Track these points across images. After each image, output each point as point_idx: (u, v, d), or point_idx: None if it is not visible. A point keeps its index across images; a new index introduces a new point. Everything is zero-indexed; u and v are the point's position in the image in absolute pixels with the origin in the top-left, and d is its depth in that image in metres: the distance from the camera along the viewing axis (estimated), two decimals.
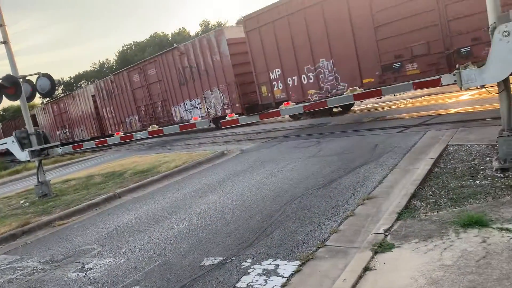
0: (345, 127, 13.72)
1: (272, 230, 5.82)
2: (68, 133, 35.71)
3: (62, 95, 53.07)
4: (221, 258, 5.24)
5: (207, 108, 21.76)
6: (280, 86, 16.94)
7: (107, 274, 5.59)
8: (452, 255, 3.96)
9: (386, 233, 4.75)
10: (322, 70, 15.37)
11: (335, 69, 14.95)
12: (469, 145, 7.65)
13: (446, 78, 6.20)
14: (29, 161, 12.52)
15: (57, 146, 11.99)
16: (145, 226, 7.36)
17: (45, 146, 11.81)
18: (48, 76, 11.96)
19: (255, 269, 4.74)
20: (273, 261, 4.84)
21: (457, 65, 5.97)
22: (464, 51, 11.36)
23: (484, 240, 4.09)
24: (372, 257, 4.26)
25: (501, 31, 5.39)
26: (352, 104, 18.15)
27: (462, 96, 14.21)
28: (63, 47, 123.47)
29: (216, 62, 20.35)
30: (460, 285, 3.46)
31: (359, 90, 8.03)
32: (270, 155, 11.36)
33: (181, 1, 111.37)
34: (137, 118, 26.92)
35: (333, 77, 15.10)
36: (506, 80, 5.81)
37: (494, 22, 5.62)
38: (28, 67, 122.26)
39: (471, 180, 5.90)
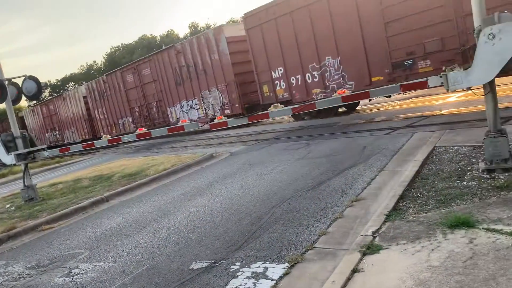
0: (332, 129, 13.77)
1: (261, 232, 5.80)
2: (58, 136, 35.01)
3: (49, 97, 52.53)
4: (210, 261, 5.21)
5: (205, 109, 21.27)
6: (283, 85, 16.55)
7: (94, 278, 5.52)
8: (439, 256, 3.98)
9: (375, 235, 4.76)
10: (327, 68, 14.99)
11: (341, 67, 14.55)
12: (456, 147, 7.72)
13: (433, 80, 6.25)
14: (15, 164, 12.33)
15: (43, 149, 11.84)
16: (133, 230, 7.30)
17: (31, 149, 11.65)
18: (35, 79, 11.81)
19: (244, 272, 4.72)
20: (262, 264, 4.83)
21: (443, 67, 6.02)
22: None
23: (471, 241, 4.13)
24: (361, 259, 4.26)
25: (486, 33, 5.45)
26: (357, 104, 17.89)
27: (450, 98, 14.36)
28: (51, 49, 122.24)
29: (214, 61, 19.85)
30: (447, 286, 3.48)
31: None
32: (259, 157, 11.35)
33: (170, 3, 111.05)
34: (130, 119, 26.40)
35: (340, 75, 14.71)
36: (491, 82, 5.88)
37: (480, 25, 5.69)
38: (15, 69, 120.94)
39: (458, 181, 5.96)
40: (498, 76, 5.69)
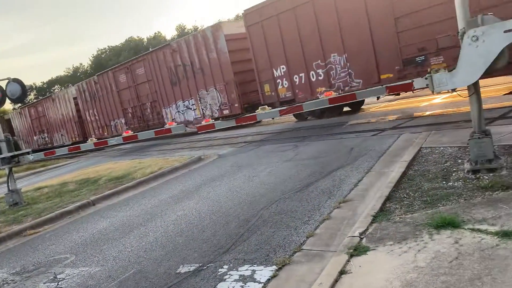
0: (322, 130, 13.81)
1: (249, 235, 5.79)
2: (47, 138, 34.27)
3: (34, 100, 51.82)
4: (197, 265, 5.18)
5: (202, 109, 20.64)
6: (285, 84, 16.02)
7: (80, 284, 5.45)
8: (425, 256, 4.00)
9: (362, 236, 4.78)
10: (333, 66, 14.52)
11: (348, 64, 14.07)
12: (442, 148, 7.80)
13: (418, 82, 6.30)
14: None
15: (28, 153, 11.68)
16: (120, 234, 7.23)
17: (16, 153, 11.49)
18: (19, 81, 11.65)
19: (231, 275, 4.70)
20: (250, 266, 4.81)
21: (428, 69, 6.07)
22: None
23: (457, 241, 4.16)
24: (348, 261, 4.27)
25: (470, 36, 5.51)
26: (362, 103, 17.27)
27: (435, 99, 14.50)
28: (36, 52, 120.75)
29: (212, 59, 19.22)
30: (433, 286, 3.50)
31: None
32: (247, 160, 11.34)
33: (157, 6, 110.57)
34: (123, 121, 25.71)
35: (346, 73, 14.23)
36: (476, 84, 5.95)
37: (464, 27, 5.75)
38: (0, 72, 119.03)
39: (444, 182, 6.01)
40: (482, 77, 5.77)
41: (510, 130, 7.84)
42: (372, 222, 5.10)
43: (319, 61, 14.87)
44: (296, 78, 15.69)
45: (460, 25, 5.84)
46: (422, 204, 5.38)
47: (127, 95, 24.81)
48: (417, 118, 11.78)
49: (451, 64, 11.06)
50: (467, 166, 6.14)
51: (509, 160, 6.20)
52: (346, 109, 16.90)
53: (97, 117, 27.86)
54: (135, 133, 9.59)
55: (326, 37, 14.39)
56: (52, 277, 5.91)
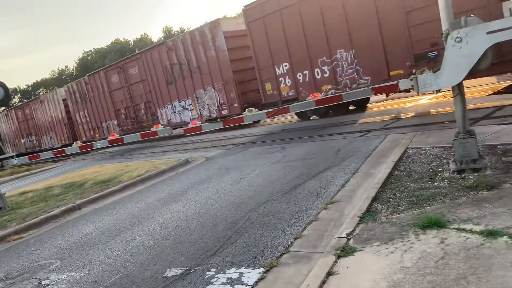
0: (308, 132, 13.84)
1: (236, 237, 5.76)
2: (35, 141, 33.47)
3: (19, 103, 51.10)
4: (185, 268, 5.14)
5: (200, 109, 20.02)
6: (288, 82, 15.53)
7: None
8: (412, 257, 4.03)
9: (349, 237, 4.79)
10: (340, 63, 14.05)
11: (356, 60, 13.64)
12: (427, 148, 7.87)
13: (403, 83, 6.36)
14: None
15: (12, 157, 11.50)
16: (106, 238, 7.14)
17: None
18: (2, 84, 11.47)
19: (219, 278, 4.67)
20: (238, 269, 4.78)
21: (413, 70, 6.12)
22: None
23: (442, 241, 4.19)
24: (335, 262, 4.28)
25: (454, 37, 5.58)
26: (368, 101, 16.74)
27: (421, 100, 14.65)
28: (19, 55, 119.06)
29: (210, 57, 18.60)
30: (419, 286, 3.51)
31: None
32: (235, 162, 11.31)
33: (143, 7, 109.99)
34: (116, 122, 25.04)
35: (354, 70, 13.76)
36: (460, 85, 6.02)
37: (447, 29, 5.82)
38: None
39: (429, 182, 6.06)
40: (466, 78, 5.83)
41: (494, 130, 7.95)
42: (359, 223, 5.12)
43: (325, 57, 14.40)
44: (299, 75, 15.21)
45: (444, 26, 5.92)
46: (408, 204, 5.42)
47: (120, 95, 24.14)
48: (403, 119, 11.88)
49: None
50: (452, 166, 6.20)
51: (494, 160, 6.28)
52: (350, 107, 16.50)
53: (88, 119, 27.17)
54: (121, 136, 9.51)
55: (332, 32, 13.90)
56: (36, 283, 5.81)
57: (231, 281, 4.53)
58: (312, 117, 16.72)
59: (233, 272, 4.73)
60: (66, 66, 77.75)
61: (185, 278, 4.88)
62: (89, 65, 63.82)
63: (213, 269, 4.92)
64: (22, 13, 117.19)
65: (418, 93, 6.17)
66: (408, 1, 11.98)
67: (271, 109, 8.72)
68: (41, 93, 67.85)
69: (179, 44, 20.03)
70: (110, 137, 9.88)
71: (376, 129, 11.22)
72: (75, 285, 5.44)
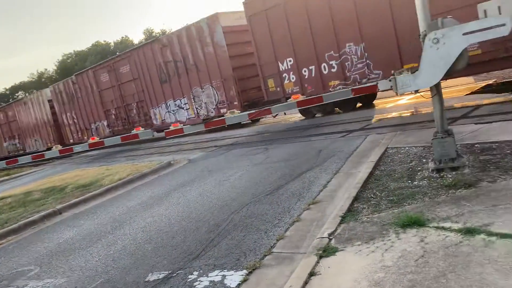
0: (291, 133, 13.88)
1: (219, 240, 5.74)
2: (18, 145, 32.29)
3: None
4: (167, 272, 5.10)
5: (196, 109, 19.30)
6: (293, 78, 14.89)
7: None
8: (392, 256, 4.07)
9: (330, 237, 4.82)
10: (348, 57, 13.50)
11: (366, 54, 13.07)
12: (407, 148, 7.97)
13: (382, 84, 6.44)
14: None
15: None
16: (87, 243, 7.04)
17: None
18: None
19: (201, 281, 4.65)
20: (220, 272, 4.77)
21: (392, 71, 6.20)
22: None
23: (422, 239, 4.25)
24: (317, 262, 4.30)
25: (431, 38, 5.67)
26: (374, 98, 15.82)
27: (401, 100, 14.83)
28: None
29: (208, 54, 17.86)
30: (400, 285, 3.55)
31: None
32: (218, 164, 11.28)
33: (124, 10, 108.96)
34: (105, 123, 24.15)
35: (364, 64, 13.19)
36: (438, 85, 6.12)
37: (425, 30, 5.92)
38: None
39: (409, 181, 6.14)
40: (443, 79, 5.93)
41: (472, 129, 8.10)
42: (340, 223, 5.16)
43: (332, 52, 13.86)
44: (305, 71, 14.61)
45: (422, 27, 6.01)
46: (388, 203, 5.48)
47: (110, 95, 23.28)
48: (383, 119, 12.01)
49: (487, 51, 10.41)
50: (431, 165, 6.30)
51: (471, 159, 6.40)
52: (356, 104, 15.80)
53: (75, 120, 26.18)
54: (101, 140, 9.38)
55: (340, 25, 13.33)
56: None
57: (213, 284, 4.52)
58: (317, 115, 16.07)
59: (215, 275, 4.71)
60: (46, 69, 76.66)
61: (167, 282, 4.84)
62: (69, 67, 63.00)
63: (195, 273, 4.89)
64: None
65: (397, 93, 6.25)
66: None
67: (253, 111, 8.71)
68: (19, 96, 66.61)
69: (174, 40, 19.29)
70: (91, 140, 9.74)
71: (357, 129, 11.33)
72: None
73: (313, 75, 14.46)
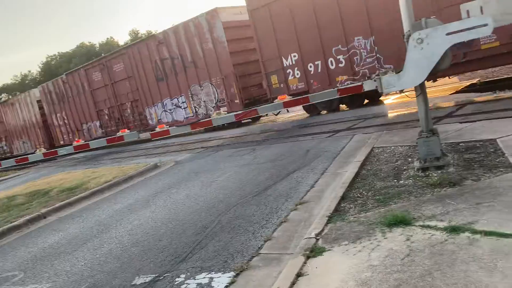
0: (279, 133, 13.89)
1: (206, 242, 5.71)
2: (5, 147, 31.48)
3: None
4: (154, 275, 5.05)
5: (195, 107, 18.67)
6: (297, 74, 14.51)
7: None
8: (379, 255, 4.09)
9: (318, 237, 4.82)
10: (357, 51, 13.12)
11: (376, 48, 12.71)
12: (393, 147, 8.03)
13: (367, 84, 6.47)
14: None
15: None
16: (73, 247, 6.94)
17: None
18: None
19: (188, 284, 4.61)
20: (207, 274, 4.74)
21: (376, 72, 6.24)
22: None
23: (408, 238, 4.28)
24: (305, 263, 4.30)
25: (415, 38, 5.72)
26: (381, 94, 14.78)
27: (386, 100, 14.95)
28: None
29: (207, 50, 17.29)
30: (387, 284, 3.57)
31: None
32: (205, 165, 11.23)
33: (108, 11, 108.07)
34: (98, 124, 23.55)
35: (374, 58, 12.79)
36: (422, 85, 6.18)
37: (409, 30, 5.96)
38: None
39: (395, 181, 6.18)
40: (428, 78, 5.99)
41: (456, 128, 8.20)
42: (327, 223, 5.17)
43: (340, 46, 13.45)
44: (311, 66, 14.22)
45: (406, 27, 6.06)
46: (375, 203, 5.51)
47: (103, 94, 22.62)
48: (369, 119, 12.09)
49: (506, 43, 10.10)
50: (416, 164, 6.35)
51: (456, 157, 6.47)
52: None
53: (66, 121, 25.49)
54: (87, 142, 9.28)
55: (348, 17, 12.91)
56: None
57: (201, 287, 4.49)
58: (322, 112, 15.74)
59: (203, 278, 4.68)
60: (29, 71, 75.59)
61: (154, 285, 4.79)
62: (54, 69, 62.24)
63: (182, 275, 4.85)
64: None
65: (382, 93, 6.29)
66: None
67: (240, 112, 8.70)
68: (2, 98, 65.56)
69: (170, 37, 18.65)
70: (75, 143, 9.62)
71: (344, 129, 11.38)
72: None
73: (319, 70, 14.08)
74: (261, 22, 14.99)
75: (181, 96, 19.17)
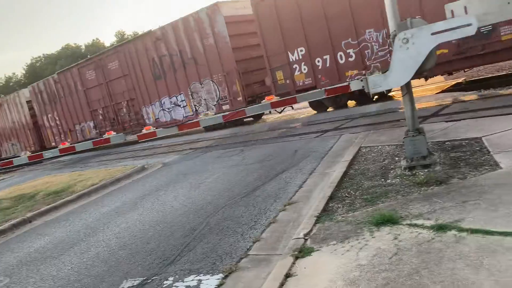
0: (267, 134, 13.89)
1: (195, 244, 5.68)
2: None
3: None
4: (142, 278, 5.00)
5: (195, 106, 17.96)
6: (304, 69, 14.05)
7: None
8: (367, 254, 4.10)
9: (306, 237, 4.82)
10: (368, 44, 12.63)
11: (389, 41, 11.73)
12: (380, 146, 8.08)
13: (354, 84, 6.50)
14: None
15: None
16: (59, 251, 6.85)
17: None
18: None
19: (177, 287, 4.58)
20: (196, 276, 4.71)
21: (363, 72, 6.27)
22: None
23: (396, 237, 4.30)
24: (293, 263, 4.29)
25: (401, 38, 5.75)
26: (390, 90, 14.60)
27: (396, 94, 14.94)
28: None
29: (208, 46, 16.61)
30: (375, 283, 3.58)
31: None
32: (193, 167, 11.18)
33: (94, 12, 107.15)
34: (92, 124, 22.89)
35: (386, 51, 12.23)
36: (408, 84, 6.22)
37: (395, 30, 6.00)
38: None
39: (382, 180, 6.22)
40: (414, 78, 6.04)
41: (442, 127, 8.28)
42: (316, 223, 5.17)
43: (350, 39, 12.94)
44: (318, 61, 13.75)
45: (391, 28, 6.10)
46: (363, 202, 5.53)
47: (97, 94, 21.90)
48: (356, 118, 12.15)
49: None
50: (403, 163, 6.39)
51: (442, 156, 6.53)
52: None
53: (58, 122, 24.75)
54: (72, 145, 9.17)
55: (359, 9, 12.45)
56: None
57: None
58: (330, 109, 15.25)
59: (191, 280, 4.65)
60: (14, 73, 74.56)
61: None
62: (39, 71, 61.49)
63: (171, 278, 4.81)
64: None
65: (368, 93, 6.33)
66: None
67: (227, 113, 8.68)
68: None
69: (169, 32, 17.88)
70: (61, 146, 9.50)
71: (331, 129, 11.43)
72: None
73: (327, 65, 13.63)
74: (266, 15, 14.53)
75: (180, 94, 18.51)
